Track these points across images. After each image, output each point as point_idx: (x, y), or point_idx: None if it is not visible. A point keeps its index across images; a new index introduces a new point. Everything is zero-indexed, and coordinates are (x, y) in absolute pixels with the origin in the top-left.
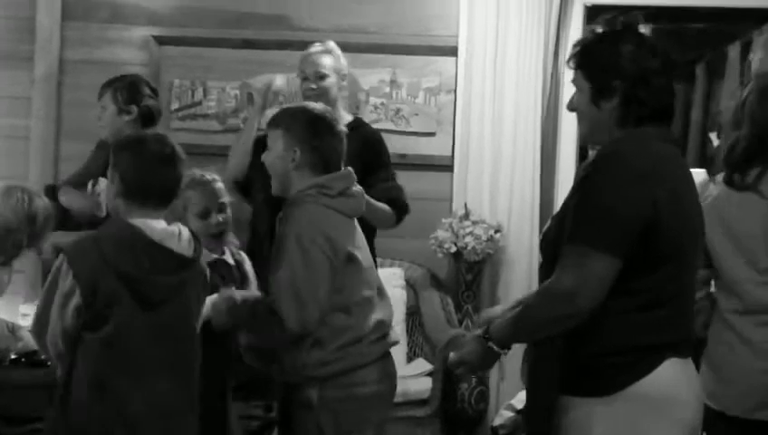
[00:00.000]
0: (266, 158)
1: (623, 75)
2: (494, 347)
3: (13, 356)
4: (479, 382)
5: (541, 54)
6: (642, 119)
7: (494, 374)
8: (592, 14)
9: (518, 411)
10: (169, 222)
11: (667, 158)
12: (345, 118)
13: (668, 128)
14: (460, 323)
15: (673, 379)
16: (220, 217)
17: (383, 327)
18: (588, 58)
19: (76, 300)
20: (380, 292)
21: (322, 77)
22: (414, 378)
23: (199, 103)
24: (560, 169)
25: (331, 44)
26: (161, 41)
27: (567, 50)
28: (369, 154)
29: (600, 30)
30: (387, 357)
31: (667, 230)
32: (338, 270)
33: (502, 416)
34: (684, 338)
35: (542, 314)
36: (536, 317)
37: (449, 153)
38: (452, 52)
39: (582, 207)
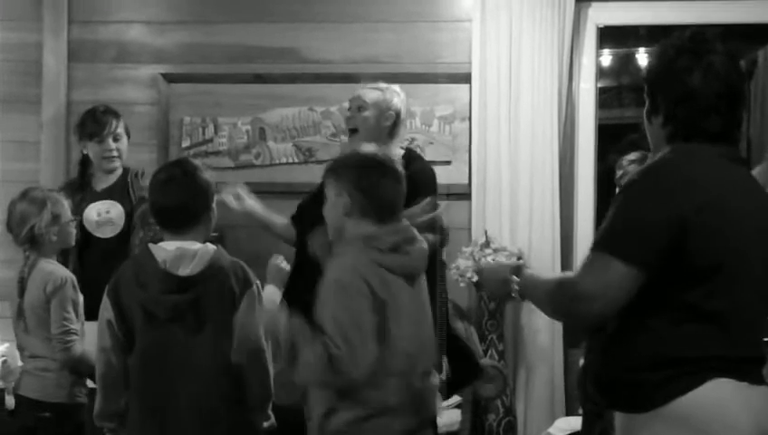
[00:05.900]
0: (324, 209)
1: (666, 92)
2: (514, 286)
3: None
4: (507, 412)
5: (555, 78)
6: (690, 137)
7: (520, 405)
8: (605, 34)
9: None
10: (203, 241)
11: (713, 172)
12: (396, 153)
13: (729, 146)
14: (485, 352)
15: (720, 400)
16: None
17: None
18: (646, 74)
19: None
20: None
21: (360, 108)
22: (443, 410)
23: (210, 140)
24: (578, 192)
25: (388, 86)
26: (170, 78)
27: (581, 72)
28: (412, 194)
29: (665, 46)
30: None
31: (700, 245)
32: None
33: None
34: (738, 358)
35: (560, 308)
36: (554, 306)
37: (466, 181)
38: (465, 79)
39: (613, 216)
